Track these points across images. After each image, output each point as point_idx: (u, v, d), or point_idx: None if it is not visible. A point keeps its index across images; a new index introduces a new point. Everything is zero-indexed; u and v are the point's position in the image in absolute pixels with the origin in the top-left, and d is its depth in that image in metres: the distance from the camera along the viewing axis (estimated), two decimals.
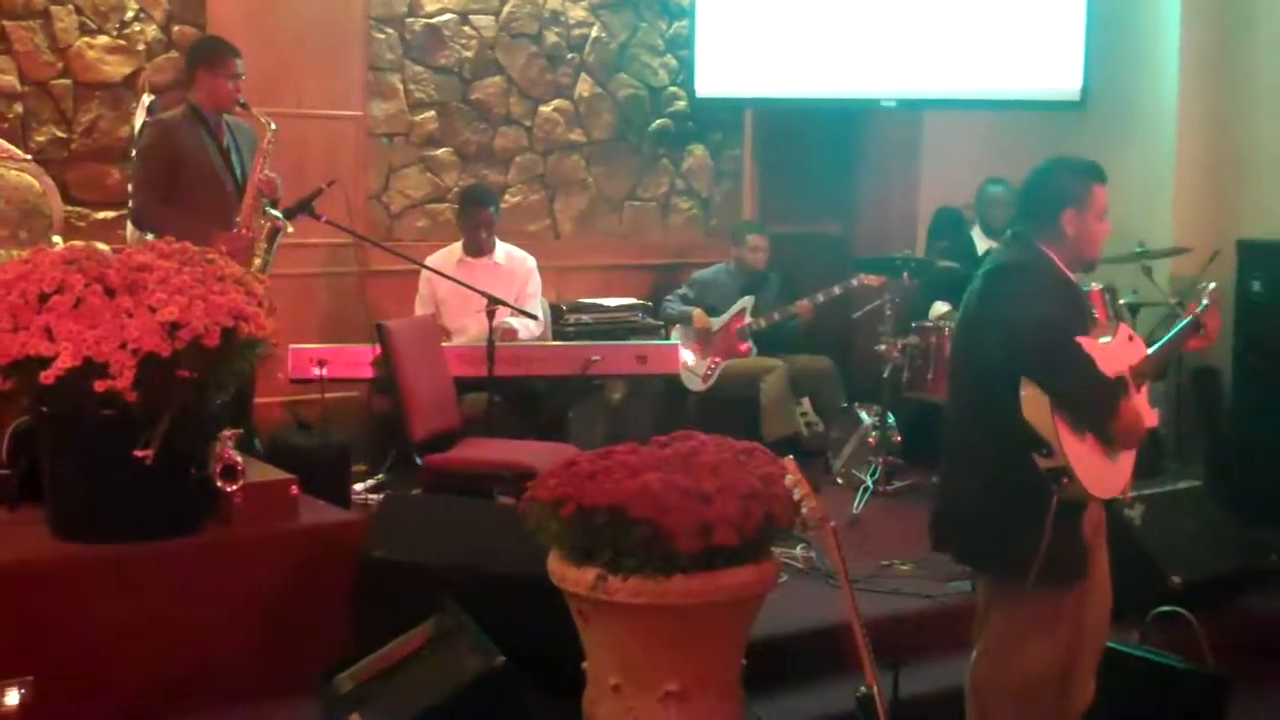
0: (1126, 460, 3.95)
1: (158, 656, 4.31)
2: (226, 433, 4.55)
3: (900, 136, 8.61)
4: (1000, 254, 4.12)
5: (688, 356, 7.36)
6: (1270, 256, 6.70)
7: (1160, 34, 7.53)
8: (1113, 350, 3.92)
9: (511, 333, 6.63)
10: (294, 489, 4.74)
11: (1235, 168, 7.42)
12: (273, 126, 5.81)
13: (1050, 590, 3.86)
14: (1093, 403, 3.79)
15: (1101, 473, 3.84)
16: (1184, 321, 4.18)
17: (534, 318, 6.65)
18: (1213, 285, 4.27)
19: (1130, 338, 4.04)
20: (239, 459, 4.55)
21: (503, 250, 6.98)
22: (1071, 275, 4.01)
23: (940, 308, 7.25)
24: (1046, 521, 3.75)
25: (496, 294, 6.15)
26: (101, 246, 4.72)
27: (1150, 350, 4.08)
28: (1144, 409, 3.98)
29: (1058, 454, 3.73)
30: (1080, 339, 3.81)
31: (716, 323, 7.52)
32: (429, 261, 6.74)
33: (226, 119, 5.91)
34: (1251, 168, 7.37)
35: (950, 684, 4.30)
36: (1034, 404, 3.75)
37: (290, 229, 5.88)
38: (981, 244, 7.32)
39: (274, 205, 5.83)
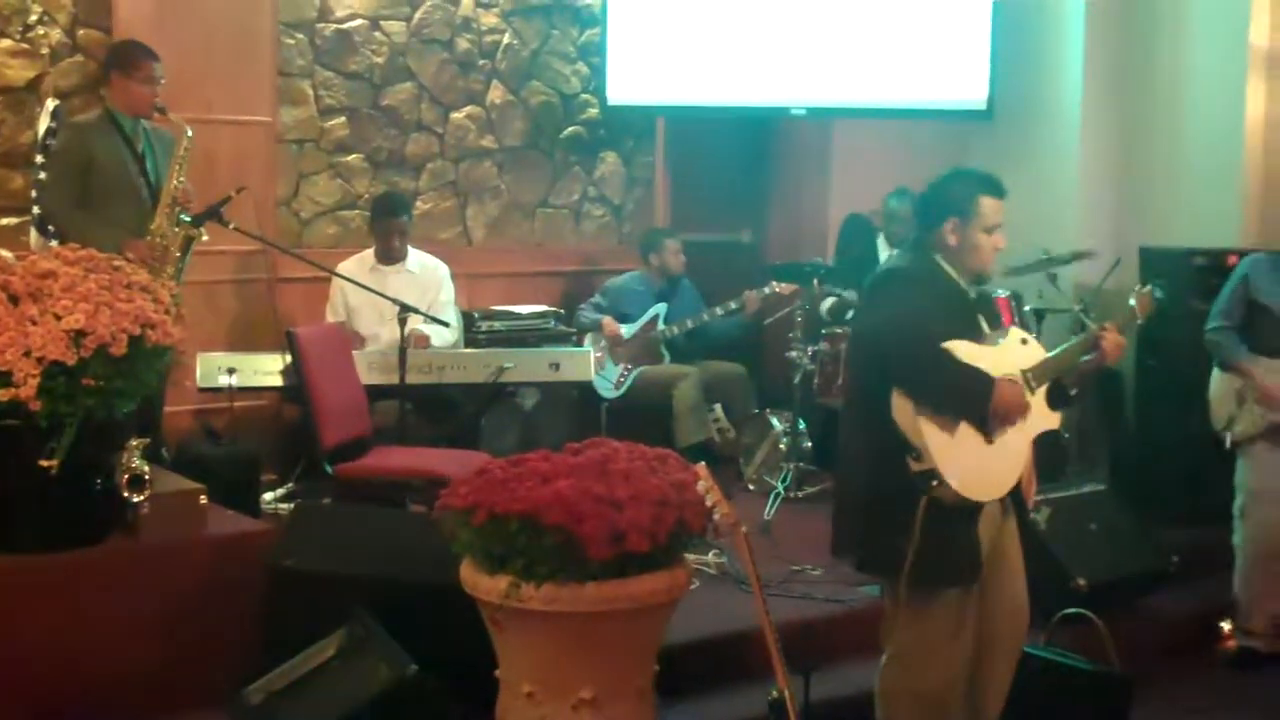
0: (1011, 463, 3.99)
1: (63, 670, 4.25)
2: (133, 442, 4.49)
3: (810, 145, 8.68)
4: (890, 260, 4.20)
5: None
6: (1171, 263, 6.82)
7: (1064, 44, 7.67)
8: (1001, 353, 4.00)
9: (424, 339, 6.60)
10: (202, 499, 4.69)
11: (1137, 176, 7.57)
12: (189, 132, 5.76)
13: (936, 591, 3.91)
14: (960, 398, 3.85)
15: (977, 475, 3.88)
16: (1087, 333, 4.27)
17: (445, 325, 6.62)
18: (1148, 287, 4.34)
19: (1024, 341, 4.10)
20: (146, 469, 4.50)
21: (415, 258, 6.95)
22: (963, 283, 4.07)
23: (829, 302, 7.38)
24: (915, 522, 3.81)
25: (409, 301, 6.13)
26: (4, 253, 4.64)
27: (1051, 354, 4.14)
28: (1038, 411, 4.04)
29: (926, 458, 3.79)
30: (955, 342, 3.87)
31: (628, 330, 7.53)
32: (341, 268, 6.70)
33: (143, 124, 5.84)
34: (1153, 176, 7.52)
35: (861, 688, 4.34)
36: (901, 407, 3.82)
37: (205, 237, 5.83)
38: (885, 254, 7.42)
39: (187, 214, 5.77)
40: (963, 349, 3.88)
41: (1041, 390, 4.05)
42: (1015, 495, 4.11)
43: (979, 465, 3.88)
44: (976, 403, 3.85)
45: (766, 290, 7.30)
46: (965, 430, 3.87)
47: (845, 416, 4.22)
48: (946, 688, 4.00)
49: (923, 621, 3.97)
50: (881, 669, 4.14)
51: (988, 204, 4.01)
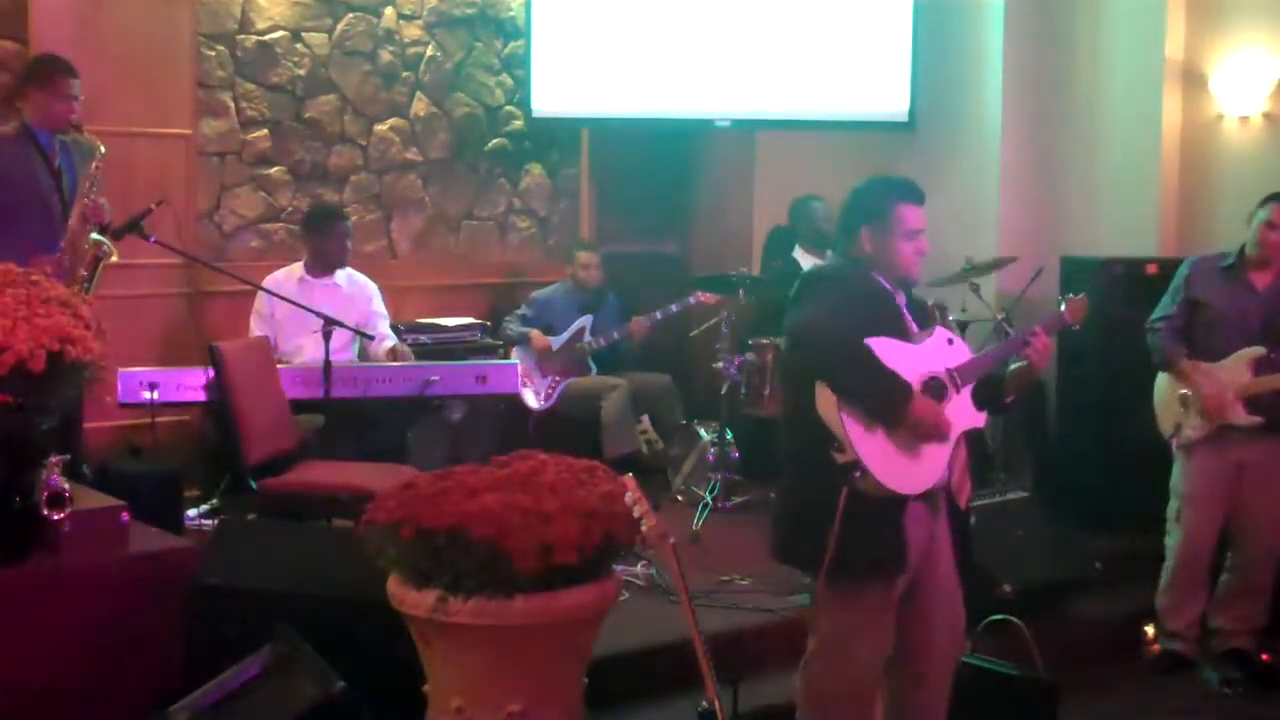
0: (935, 457, 3.98)
1: None
2: (53, 459, 4.42)
3: (734, 156, 8.72)
4: (818, 263, 4.28)
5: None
6: (1092, 273, 6.91)
7: (984, 56, 7.75)
8: (924, 352, 4.02)
9: (405, 354, 6.66)
10: (124, 516, 4.62)
11: (1057, 186, 7.67)
12: (102, 150, 5.68)
13: (858, 584, 3.92)
14: (872, 397, 3.85)
15: (901, 467, 3.89)
16: (1015, 335, 4.32)
17: (370, 338, 6.59)
18: (1082, 295, 4.38)
19: (950, 341, 4.12)
20: (66, 486, 4.43)
21: (343, 272, 6.89)
22: (888, 286, 4.08)
23: None
24: (836, 513, 3.83)
25: (336, 316, 6.08)
26: None
27: (978, 354, 4.19)
28: (964, 409, 4.06)
29: (848, 449, 3.82)
30: (877, 339, 3.88)
31: (556, 342, 7.53)
32: (268, 281, 6.64)
33: (62, 137, 5.76)
34: (1072, 186, 7.61)
35: (790, 697, 4.34)
36: (824, 400, 3.85)
37: (116, 257, 5.73)
38: (805, 262, 7.47)
39: (101, 231, 5.69)
40: (884, 346, 3.90)
41: (968, 389, 4.07)
42: (949, 498, 4.13)
43: (901, 458, 3.90)
44: (892, 406, 3.86)
45: (692, 301, 7.33)
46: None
47: (783, 417, 4.23)
48: (864, 684, 4.01)
49: (842, 616, 3.98)
50: (804, 665, 4.12)
51: (906, 210, 4.03)
